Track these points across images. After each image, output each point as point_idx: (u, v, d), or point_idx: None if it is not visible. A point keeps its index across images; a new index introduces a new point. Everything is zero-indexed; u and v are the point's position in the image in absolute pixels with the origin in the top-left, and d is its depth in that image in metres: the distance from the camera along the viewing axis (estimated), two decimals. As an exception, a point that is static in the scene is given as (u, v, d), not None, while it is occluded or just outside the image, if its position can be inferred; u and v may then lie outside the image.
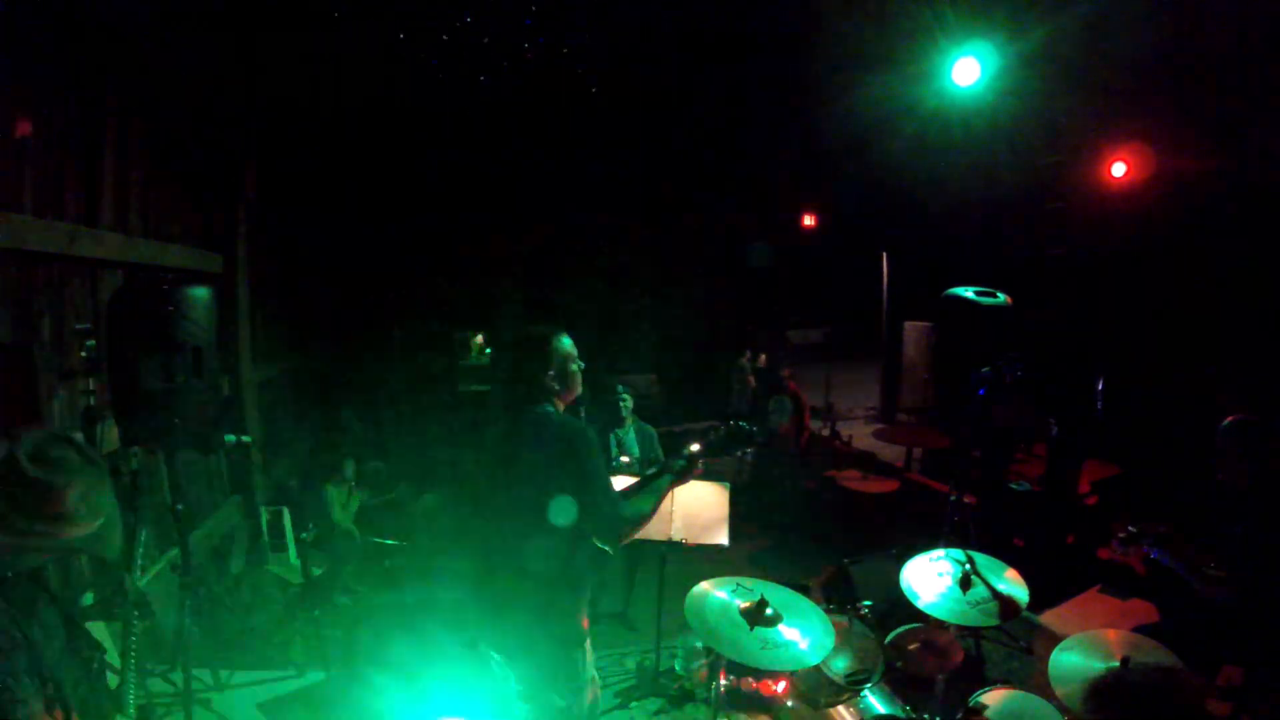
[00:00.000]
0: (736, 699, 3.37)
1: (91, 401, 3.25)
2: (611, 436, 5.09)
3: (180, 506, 3.35)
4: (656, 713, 3.78)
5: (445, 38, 5.48)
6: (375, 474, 6.64)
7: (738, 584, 2.75)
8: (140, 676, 2.93)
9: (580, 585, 2.42)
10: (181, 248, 4.41)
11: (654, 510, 2.44)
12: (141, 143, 3.98)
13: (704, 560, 4.82)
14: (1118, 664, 2.46)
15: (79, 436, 1.67)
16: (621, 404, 5.14)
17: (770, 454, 7.00)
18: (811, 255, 10.98)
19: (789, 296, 11.88)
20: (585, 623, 2.43)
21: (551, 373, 2.39)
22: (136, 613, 2.51)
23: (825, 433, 7.68)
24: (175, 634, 3.66)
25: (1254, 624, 2.69)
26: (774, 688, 3.35)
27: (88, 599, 3.13)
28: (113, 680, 2.31)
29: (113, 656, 2.43)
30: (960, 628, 3.07)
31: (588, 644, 2.43)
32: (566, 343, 2.46)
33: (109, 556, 1.56)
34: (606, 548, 2.39)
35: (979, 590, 2.83)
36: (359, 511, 5.87)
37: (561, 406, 2.45)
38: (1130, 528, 2.86)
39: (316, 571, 5.02)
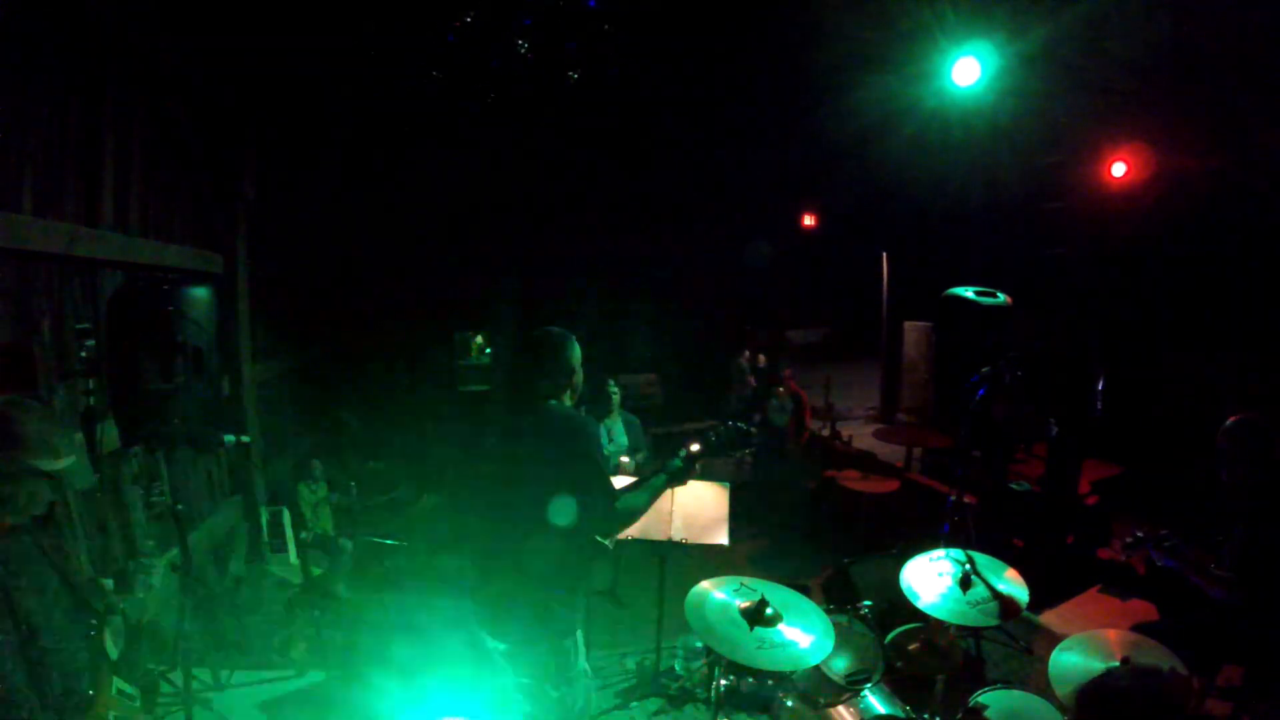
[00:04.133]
0: (736, 699, 3.37)
1: (91, 401, 3.25)
2: (602, 426, 5.43)
3: (180, 506, 3.35)
4: (656, 713, 3.78)
5: (447, 39, 5.48)
6: (375, 474, 6.63)
7: (740, 584, 2.75)
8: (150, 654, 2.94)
9: (576, 577, 2.45)
10: (181, 248, 4.41)
11: (648, 506, 2.49)
12: (141, 143, 3.97)
13: (704, 560, 4.82)
14: (1118, 664, 2.46)
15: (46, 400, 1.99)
16: (612, 397, 5.52)
17: (770, 454, 7.00)
18: (811, 255, 10.97)
19: (789, 296, 11.87)
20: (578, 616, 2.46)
21: (563, 371, 2.47)
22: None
23: (825, 433, 7.68)
24: (175, 634, 3.66)
25: (1256, 624, 2.69)
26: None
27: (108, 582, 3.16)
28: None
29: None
30: (960, 628, 3.07)
31: (579, 634, 2.46)
32: (577, 345, 2.55)
33: (76, 487, 2.00)
34: (605, 540, 2.42)
35: (979, 590, 2.83)
36: (343, 512, 5.85)
37: (567, 403, 2.52)
38: (1137, 533, 2.86)
39: (316, 571, 5.02)
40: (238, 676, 3.85)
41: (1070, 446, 5.51)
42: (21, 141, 3.01)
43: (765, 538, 6.33)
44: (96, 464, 3.34)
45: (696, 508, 3.95)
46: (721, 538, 3.84)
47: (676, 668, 4.02)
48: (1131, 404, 6.10)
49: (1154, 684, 2.41)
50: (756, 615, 2.59)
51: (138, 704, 2.15)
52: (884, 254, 9.91)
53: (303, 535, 5.26)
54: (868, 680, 3.10)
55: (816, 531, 6.12)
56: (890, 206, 8.39)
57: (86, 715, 1.81)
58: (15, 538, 1.84)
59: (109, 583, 3.12)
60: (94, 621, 1.95)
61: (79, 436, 1.99)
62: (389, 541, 5.79)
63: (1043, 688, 2.68)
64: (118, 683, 2.04)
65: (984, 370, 3.89)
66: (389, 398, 7.78)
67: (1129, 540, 2.88)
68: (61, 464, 1.89)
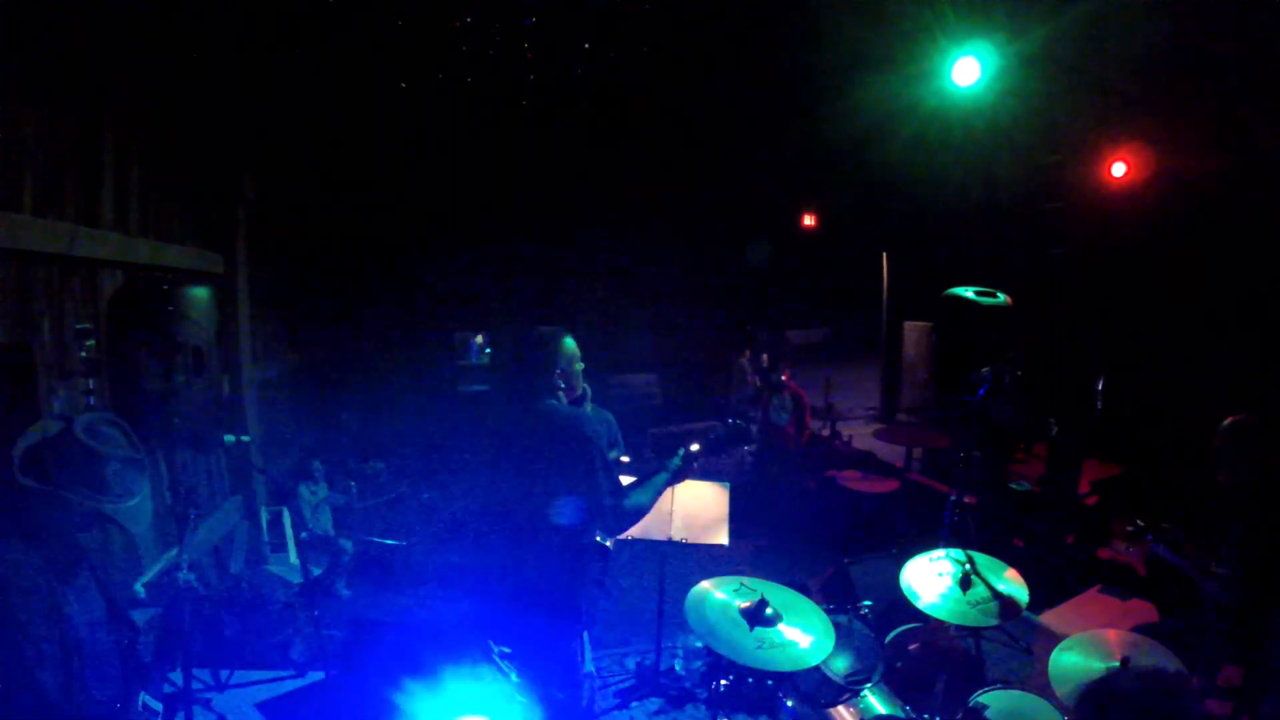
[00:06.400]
0: (737, 699, 3.37)
1: (91, 401, 3.25)
2: None
3: (180, 506, 3.35)
4: (656, 713, 3.78)
5: (443, 39, 5.47)
6: (375, 474, 6.64)
7: (740, 584, 2.75)
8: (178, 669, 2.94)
9: (579, 577, 2.44)
10: (181, 248, 4.41)
11: (651, 504, 2.50)
12: (141, 143, 3.97)
13: (704, 560, 4.82)
14: (1118, 664, 2.46)
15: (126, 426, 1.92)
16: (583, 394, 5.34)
17: (770, 454, 7.00)
18: (811, 255, 10.97)
19: (789, 296, 11.87)
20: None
21: (559, 370, 2.50)
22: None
23: (825, 433, 7.67)
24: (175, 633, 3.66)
25: (1254, 623, 2.69)
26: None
27: (139, 590, 3.17)
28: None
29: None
30: (960, 628, 3.07)
31: (585, 637, 2.46)
32: (571, 343, 2.58)
33: (135, 531, 1.89)
34: (608, 539, 2.43)
35: (979, 590, 2.83)
36: (343, 512, 5.85)
37: (566, 401, 2.52)
38: (1138, 521, 2.88)
39: (316, 571, 5.02)
40: (238, 676, 3.85)
41: (1070, 446, 5.52)
42: (21, 141, 3.01)
43: (765, 538, 6.33)
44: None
45: (696, 508, 3.95)
46: (721, 538, 3.84)
47: (676, 668, 4.02)
48: (1131, 404, 6.10)
49: (1154, 684, 2.41)
50: (756, 615, 2.60)
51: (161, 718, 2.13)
52: (884, 254, 9.92)
53: (303, 535, 5.27)
54: (868, 680, 3.10)
55: (816, 531, 6.12)
56: (890, 206, 8.39)
57: None
58: (64, 541, 1.76)
59: (140, 590, 3.13)
60: (128, 638, 1.90)
61: (146, 482, 1.88)
62: (389, 541, 5.81)
63: (1043, 688, 2.68)
64: (144, 697, 2.02)
65: (984, 370, 3.89)
66: (389, 398, 7.78)
67: (1129, 529, 2.89)
68: (129, 504, 1.79)
